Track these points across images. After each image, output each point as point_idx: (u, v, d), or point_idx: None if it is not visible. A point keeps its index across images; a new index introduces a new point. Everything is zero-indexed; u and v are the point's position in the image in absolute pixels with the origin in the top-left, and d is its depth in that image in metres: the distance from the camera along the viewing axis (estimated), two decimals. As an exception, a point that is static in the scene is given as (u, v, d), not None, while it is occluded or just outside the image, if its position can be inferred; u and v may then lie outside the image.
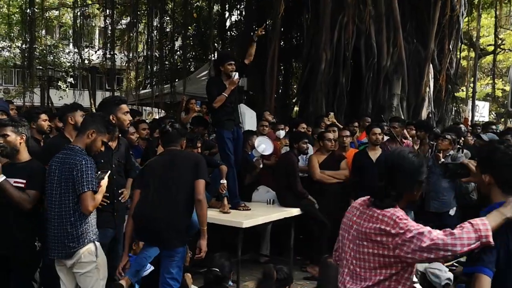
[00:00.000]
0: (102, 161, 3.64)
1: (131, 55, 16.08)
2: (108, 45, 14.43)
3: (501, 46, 22.55)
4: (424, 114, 9.55)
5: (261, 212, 5.26)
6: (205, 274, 3.72)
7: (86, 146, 3.26)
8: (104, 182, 3.29)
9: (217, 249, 4.04)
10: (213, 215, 4.78)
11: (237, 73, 5.14)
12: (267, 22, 11.10)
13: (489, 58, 24.48)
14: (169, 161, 3.69)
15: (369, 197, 2.16)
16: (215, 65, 5.57)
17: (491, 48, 24.18)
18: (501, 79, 25.64)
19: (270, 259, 5.92)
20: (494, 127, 8.79)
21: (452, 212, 5.74)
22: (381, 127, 6.04)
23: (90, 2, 17.02)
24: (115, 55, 14.26)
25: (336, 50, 9.50)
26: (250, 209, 5.23)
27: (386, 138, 6.25)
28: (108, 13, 14.07)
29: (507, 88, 21.10)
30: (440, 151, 5.73)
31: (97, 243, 3.24)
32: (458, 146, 6.20)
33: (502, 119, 25.53)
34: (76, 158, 3.12)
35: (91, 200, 3.09)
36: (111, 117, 3.64)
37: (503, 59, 24.49)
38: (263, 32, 5.80)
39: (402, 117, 8.45)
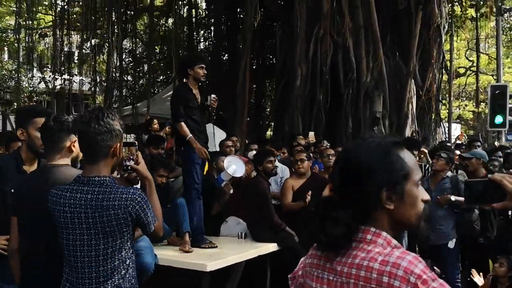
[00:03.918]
0: None
1: (89, 78, 15.25)
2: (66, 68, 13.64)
3: (472, 68, 22.60)
4: (407, 133, 8.88)
5: (231, 250, 4.43)
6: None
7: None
8: None
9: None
10: (171, 256, 4.05)
11: (213, 95, 4.56)
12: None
13: (459, 80, 24.61)
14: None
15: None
16: (182, 69, 4.60)
17: (462, 70, 24.39)
18: (471, 101, 25.73)
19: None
20: (478, 143, 8.18)
21: (451, 244, 4.95)
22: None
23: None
24: (81, 79, 13.54)
25: (312, 65, 8.82)
26: (216, 247, 4.34)
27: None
28: (63, 33, 13.27)
29: (477, 110, 21.06)
30: (436, 172, 4.98)
31: None
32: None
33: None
34: (122, 196, 1.91)
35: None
36: (19, 132, 2.69)
37: (473, 82, 24.65)
38: None
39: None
